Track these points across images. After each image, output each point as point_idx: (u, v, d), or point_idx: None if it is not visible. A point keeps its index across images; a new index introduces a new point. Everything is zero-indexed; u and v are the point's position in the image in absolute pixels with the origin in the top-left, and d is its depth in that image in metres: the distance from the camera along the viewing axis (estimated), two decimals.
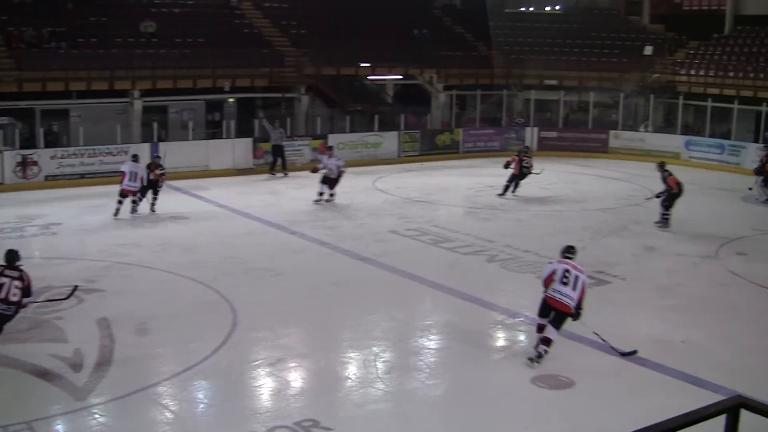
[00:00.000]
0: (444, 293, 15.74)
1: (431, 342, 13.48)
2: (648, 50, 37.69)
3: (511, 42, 39.17)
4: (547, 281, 12.46)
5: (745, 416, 3.87)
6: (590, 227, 21.72)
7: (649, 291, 16.48)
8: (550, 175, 29.30)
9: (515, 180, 25.53)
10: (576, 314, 12.37)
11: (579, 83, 37.56)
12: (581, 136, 36.14)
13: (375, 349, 12.83)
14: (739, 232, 21.66)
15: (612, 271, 17.52)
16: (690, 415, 3.72)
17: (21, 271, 11.96)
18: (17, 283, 11.78)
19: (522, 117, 36.91)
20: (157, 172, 21.94)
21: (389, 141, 32.41)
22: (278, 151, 28.85)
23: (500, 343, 13.80)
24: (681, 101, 35.55)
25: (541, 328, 12.60)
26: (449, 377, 12.00)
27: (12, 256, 12.08)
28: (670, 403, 9.90)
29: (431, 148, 33.39)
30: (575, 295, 12.27)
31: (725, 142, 33.74)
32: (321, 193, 23.71)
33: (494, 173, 29.80)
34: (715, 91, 35.24)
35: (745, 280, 17.37)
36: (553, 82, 37.47)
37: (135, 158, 22.32)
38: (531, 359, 12.35)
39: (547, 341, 12.37)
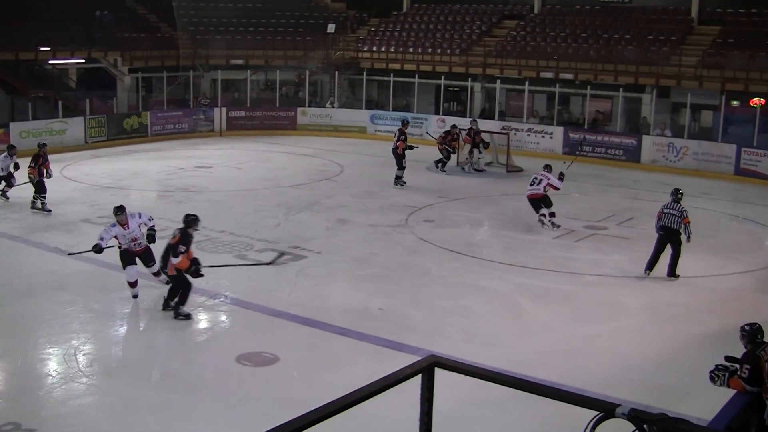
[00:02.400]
0: (142, 279, 15.40)
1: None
2: (331, 28, 38.55)
3: (195, 22, 38.82)
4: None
5: (440, 374, 4.09)
6: (284, 204, 22.02)
7: (344, 263, 16.95)
8: (242, 155, 29.49)
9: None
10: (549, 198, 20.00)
11: (265, 62, 37.88)
12: (270, 114, 36.42)
13: (75, 342, 12.42)
14: (426, 201, 22.69)
15: (307, 245, 17.85)
16: (388, 378, 3.88)
17: (180, 232, 13.42)
18: (170, 239, 13.60)
19: (208, 97, 36.72)
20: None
21: (75, 127, 31.19)
22: None
23: (203, 324, 13.73)
24: (365, 77, 36.64)
25: (543, 215, 20.08)
26: (155, 363, 11.84)
27: (187, 218, 13.66)
28: (371, 369, 10.27)
29: (119, 132, 32.50)
30: (539, 188, 19.93)
31: (408, 114, 35.06)
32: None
33: (185, 155, 29.60)
34: (396, 66, 36.68)
35: (434, 245, 18.24)
36: (240, 61, 37.55)
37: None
38: (547, 224, 19.91)
39: (544, 215, 20.04)
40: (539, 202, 20.08)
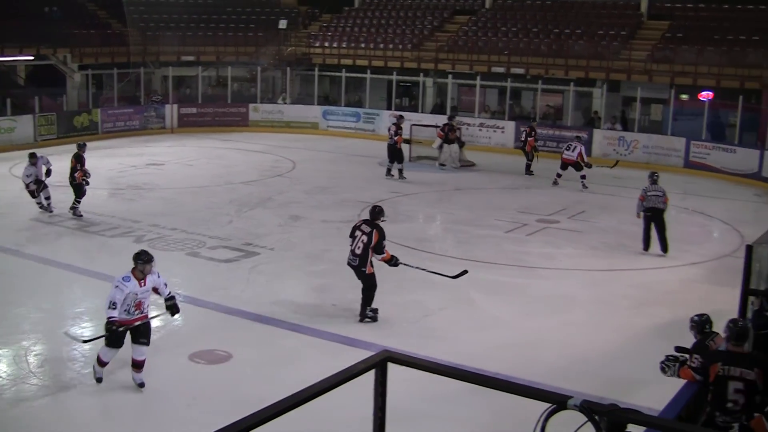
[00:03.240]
0: (93, 278, 15.31)
1: (84, 329, 13.03)
2: (282, 24, 38.44)
3: (146, 18, 38.49)
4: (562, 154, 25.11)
5: (393, 369, 4.10)
6: (236, 200, 21.93)
7: (297, 259, 16.92)
8: (193, 151, 29.35)
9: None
10: (581, 164, 24.58)
11: (216, 58, 37.68)
12: (221, 110, 36.23)
13: (25, 343, 12.26)
14: (379, 196, 22.69)
15: (260, 242, 17.81)
16: (342, 374, 3.88)
17: (375, 226, 13.31)
18: (365, 238, 13.18)
19: (159, 94, 36.42)
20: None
21: (24, 125, 30.74)
22: None
23: (155, 323, 13.54)
24: (317, 73, 36.57)
25: (559, 175, 25.18)
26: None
27: (374, 211, 13.67)
28: (325, 364, 10.24)
29: (69, 130, 32.08)
30: (573, 155, 24.48)
31: (360, 110, 35.15)
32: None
33: (136, 152, 29.36)
34: (348, 62, 36.68)
35: (387, 240, 18.09)
36: (191, 58, 37.31)
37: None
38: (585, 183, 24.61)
39: (559, 175, 25.21)
40: (572, 166, 24.61)
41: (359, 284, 14.88)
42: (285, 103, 36.81)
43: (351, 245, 13.49)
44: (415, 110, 34.55)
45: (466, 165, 28.03)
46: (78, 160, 20.20)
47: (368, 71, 35.70)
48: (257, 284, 15.10)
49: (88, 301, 14.47)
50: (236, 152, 30.12)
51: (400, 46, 36.67)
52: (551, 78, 32.69)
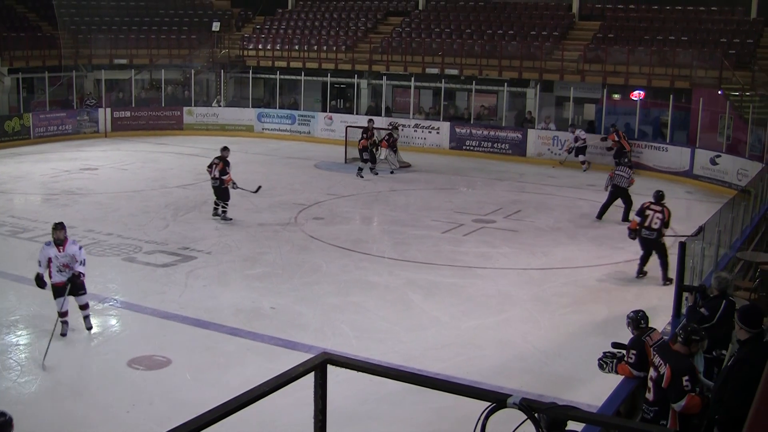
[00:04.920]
0: (28, 285, 15.00)
1: (20, 338, 12.87)
2: (215, 26, 38.30)
3: (77, 21, 38.06)
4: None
5: (332, 371, 4.11)
6: (171, 204, 21.75)
7: (234, 263, 16.82)
8: (128, 155, 29.09)
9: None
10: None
11: (150, 61, 37.37)
12: (155, 114, 35.90)
13: None
14: (315, 198, 22.70)
15: (197, 246, 17.69)
16: (281, 377, 3.88)
17: (663, 206, 15.60)
18: (659, 215, 15.51)
19: (94, 98, 35.98)
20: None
21: None
22: None
23: (92, 329, 13.48)
24: (251, 75, 36.45)
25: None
26: (42, 372, 11.57)
27: (659, 195, 15.86)
28: (265, 368, 10.26)
29: (0, 135, 31.62)
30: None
31: (295, 112, 35.11)
32: None
33: (69, 157, 28.98)
34: (282, 64, 36.65)
35: (324, 242, 18.25)
36: (123, 61, 36.98)
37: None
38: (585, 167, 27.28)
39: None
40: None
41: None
42: (220, 106, 36.65)
43: (644, 223, 15.59)
44: (350, 112, 34.64)
45: (402, 166, 28.11)
46: (225, 164, 20.15)
47: (302, 73, 35.68)
48: (195, 288, 15.00)
49: (23, 309, 14.29)
50: (171, 156, 29.88)
51: (334, 48, 36.69)
52: (485, 79, 32.93)
